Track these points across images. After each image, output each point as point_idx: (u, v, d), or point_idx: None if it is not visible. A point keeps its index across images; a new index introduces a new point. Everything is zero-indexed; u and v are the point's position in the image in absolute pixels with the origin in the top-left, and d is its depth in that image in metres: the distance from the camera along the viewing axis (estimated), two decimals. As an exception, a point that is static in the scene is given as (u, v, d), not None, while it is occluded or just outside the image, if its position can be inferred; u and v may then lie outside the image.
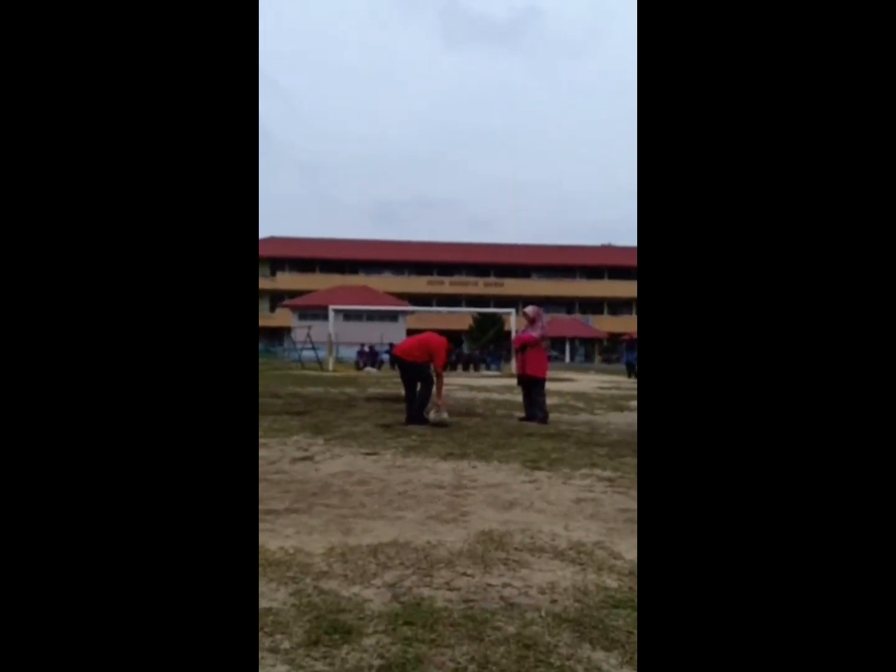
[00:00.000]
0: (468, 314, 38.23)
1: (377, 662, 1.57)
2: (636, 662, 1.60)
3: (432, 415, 6.28)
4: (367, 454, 4.62)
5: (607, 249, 53.15)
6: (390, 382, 13.96)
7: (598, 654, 1.65)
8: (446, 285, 49.65)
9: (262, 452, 4.59)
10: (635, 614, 1.89)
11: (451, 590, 2.07)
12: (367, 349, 23.66)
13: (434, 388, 6.35)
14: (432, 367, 6.38)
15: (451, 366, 23.71)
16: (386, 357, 23.59)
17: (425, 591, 2.05)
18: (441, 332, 6.77)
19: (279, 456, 4.49)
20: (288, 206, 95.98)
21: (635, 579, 2.19)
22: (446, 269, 50.70)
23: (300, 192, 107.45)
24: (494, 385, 13.17)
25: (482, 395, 10.22)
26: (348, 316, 28.25)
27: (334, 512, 3.03)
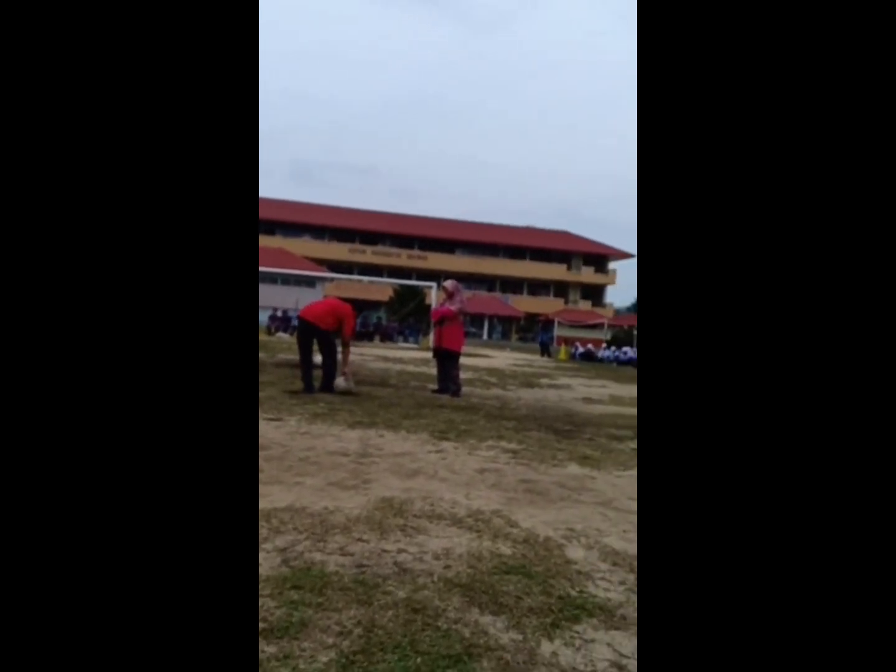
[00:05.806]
0: (389, 286, 37.87)
1: (259, 626, 1.51)
2: (524, 627, 1.63)
3: (339, 381, 6.17)
4: (271, 420, 4.47)
5: (530, 231, 54.05)
6: (304, 349, 13.64)
7: (486, 618, 1.67)
8: (368, 254, 48.80)
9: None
10: (526, 580, 1.93)
11: (344, 555, 2.03)
12: (279, 314, 22.99)
13: (341, 357, 6.23)
14: (340, 335, 6.24)
15: (367, 337, 23.51)
16: (301, 323, 23.07)
17: (317, 556, 2.00)
18: (356, 302, 6.64)
19: (177, 417, 4.27)
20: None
21: (529, 547, 2.23)
22: (370, 237, 49.80)
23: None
24: (410, 357, 13.14)
25: (397, 367, 10.17)
26: (262, 278, 27.28)
27: (230, 475, 2.91)
